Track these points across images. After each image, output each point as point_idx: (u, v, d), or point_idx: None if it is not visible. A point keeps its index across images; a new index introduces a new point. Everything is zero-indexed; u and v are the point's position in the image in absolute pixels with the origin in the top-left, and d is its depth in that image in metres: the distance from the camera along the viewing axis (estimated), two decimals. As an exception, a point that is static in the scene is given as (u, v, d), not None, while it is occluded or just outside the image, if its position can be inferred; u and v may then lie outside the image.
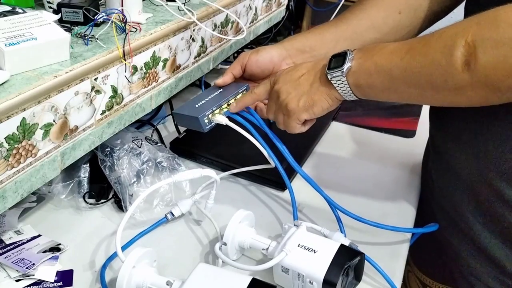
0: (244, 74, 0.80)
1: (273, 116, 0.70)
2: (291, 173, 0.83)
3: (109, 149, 0.77)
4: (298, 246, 0.61)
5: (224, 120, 0.74)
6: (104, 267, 0.64)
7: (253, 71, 0.78)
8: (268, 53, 0.78)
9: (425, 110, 1.10)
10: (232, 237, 0.65)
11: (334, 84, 0.62)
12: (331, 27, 0.79)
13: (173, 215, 0.73)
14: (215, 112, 0.74)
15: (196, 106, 0.75)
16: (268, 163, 0.74)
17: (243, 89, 0.78)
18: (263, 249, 0.65)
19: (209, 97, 0.77)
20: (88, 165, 0.76)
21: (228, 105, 0.76)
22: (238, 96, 0.77)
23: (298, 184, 0.82)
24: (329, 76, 0.62)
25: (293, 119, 0.67)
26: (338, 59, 0.62)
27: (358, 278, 0.64)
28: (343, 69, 0.61)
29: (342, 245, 0.62)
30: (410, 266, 0.88)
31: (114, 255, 0.65)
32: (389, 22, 0.78)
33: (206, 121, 0.73)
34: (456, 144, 0.69)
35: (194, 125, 0.74)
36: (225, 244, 0.64)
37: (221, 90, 0.79)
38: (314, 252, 0.60)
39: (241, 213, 0.67)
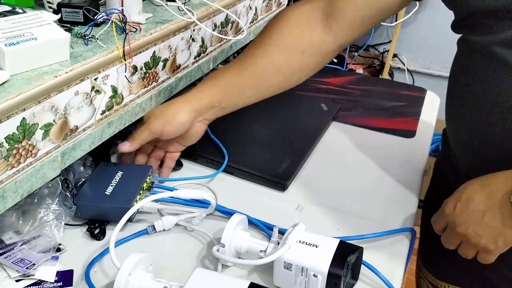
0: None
1: (455, 247, 0.66)
2: (291, 173, 0.83)
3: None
4: (299, 242, 0.62)
5: (154, 206, 0.70)
6: (91, 263, 0.64)
7: (165, 138, 0.77)
8: (178, 121, 0.75)
9: (425, 110, 1.11)
10: (230, 240, 0.64)
11: None
12: (235, 76, 0.77)
13: (154, 229, 0.70)
14: (137, 199, 0.70)
15: (107, 193, 0.70)
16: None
17: (150, 171, 0.75)
18: (261, 251, 0.64)
19: (115, 182, 0.72)
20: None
21: (142, 190, 0.72)
22: (147, 179, 0.73)
23: (298, 184, 0.82)
24: None
25: (494, 255, 0.64)
26: None
27: (355, 277, 0.65)
28: None
29: (341, 241, 0.62)
30: (422, 272, 0.87)
31: (104, 252, 0.65)
32: (293, 64, 0.76)
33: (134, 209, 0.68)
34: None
35: (113, 215, 0.68)
36: (223, 246, 0.64)
37: (121, 172, 0.74)
38: (316, 247, 0.61)
39: (237, 217, 0.66)
